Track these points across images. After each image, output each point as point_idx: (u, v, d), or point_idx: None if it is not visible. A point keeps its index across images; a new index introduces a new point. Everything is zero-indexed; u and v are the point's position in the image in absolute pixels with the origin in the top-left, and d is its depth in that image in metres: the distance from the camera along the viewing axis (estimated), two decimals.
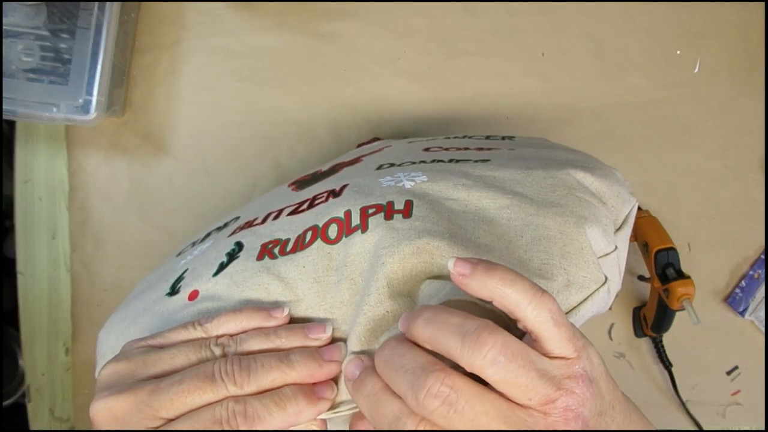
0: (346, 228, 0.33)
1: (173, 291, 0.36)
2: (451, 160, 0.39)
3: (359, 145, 0.57)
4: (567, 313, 0.31)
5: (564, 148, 0.42)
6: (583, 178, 0.36)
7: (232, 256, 0.36)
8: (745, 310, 0.59)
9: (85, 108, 0.50)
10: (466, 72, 0.58)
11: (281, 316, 0.32)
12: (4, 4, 0.49)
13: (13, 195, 0.58)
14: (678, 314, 0.54)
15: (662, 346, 0.58)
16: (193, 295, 0.35)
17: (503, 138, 0.45)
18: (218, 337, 0.31)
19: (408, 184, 0.35)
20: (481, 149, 0.42)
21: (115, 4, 0.51)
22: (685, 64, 0.59)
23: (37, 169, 0.57)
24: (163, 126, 0.58)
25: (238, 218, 0.43)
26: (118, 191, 0.58)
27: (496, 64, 0.58)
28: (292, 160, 0.58)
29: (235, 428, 0.28)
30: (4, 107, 0.49)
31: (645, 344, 0.60)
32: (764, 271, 0.59)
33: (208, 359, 0.30)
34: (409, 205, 0.33)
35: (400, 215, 0.32)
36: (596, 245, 0.33)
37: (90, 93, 0.50)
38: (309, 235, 0.34)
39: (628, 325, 0.60)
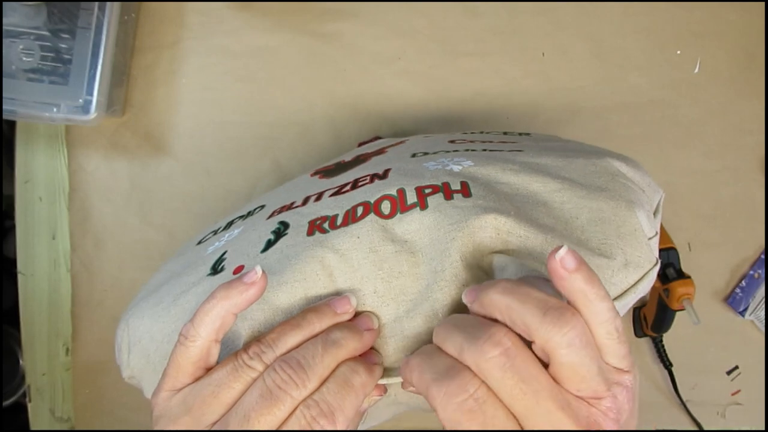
0: (401, 205, 0.33)
1: (215, 271, 0.35)
2: (484, 150, 0.38)
3: (360, 144, 0.57)
4: (626, 291, 0.31)
5: (580, 144, 0.42)
6: (620, 166, 0.36)
7: (279, 233, 0.35)
8: (745, 310, 0.59)
9: (85, 108, 0.50)
10: (466, 72, 0.58)
11: (350, 309, 0.31)
12: (4, 4, 0.49)
13: (13, 195, 0.58)
14: (678, 314, 0.54)
15: (662, 346, 0.58)
16: (238, 270, 0.34)
17: (520, 134, 0.45)
18: (246, 350, 0.29)
19: (456, 168, 0.35)
20: (504, 142, 0.42)
21: (115, 4, 0.51)
22: (685, 64, 0.59)
23: (37, 169, 0.57)
24: (163, 126, 0.58)
25: (263, 206, 0.41)
26: (118, 191, 0.58)
27: (496, 64, 0.58)
28: (292, 160, 0.58)
29: (321, 429, 0.27)
30: (4, 107, 0.49)
31: (645, 344, 0.60)
32: (764, 271, 0.59)
33: (253, 379, 0.28)
34: (465, 186, 0.33)
35: (460, 195, 0.32)
36: (645, 229, 0.34)
37: (90, 93, 0.50)
38: (360, 210, 0.33)
39: (628, 325, 0.60)
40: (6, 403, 0.74)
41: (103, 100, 0.51)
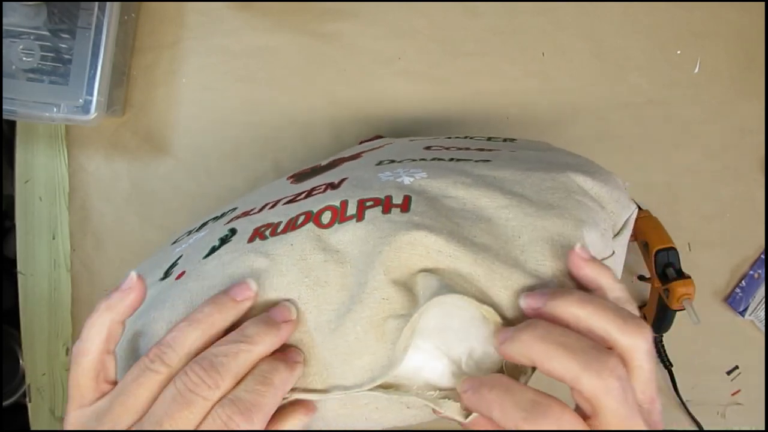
0: (340, 215, 0.33)
1: (165, 276, 0.36)
2: (451, 159, 0.39)
3: (361, 142, 0.57)
4: None
5: (566, 153, 0.42)
6: (583, 181, 0.36)
7: (224, 240, 0.35)
8: (745, 310, 0.59)
9: (85, 108, 0.50)
10: (466, 72, 0.58)
11: (251, 294, 0.30)
12: (4, 4, 0.49)
13: (13, 195, 0.58)
14: (678, 314, 0.54)
15: (662, 346, 0.58)
16: (180, 276, 0.34)
17: (505, 140, 0.45)
18: (147, 354, 0.28)
19: (407, 180, 0.35)
20: (482, 150, 0.42)
21: (115, 4, 0.51)
22: (685, 64, 0.59)
23: (37, 169, 0.57)
24: (163, 126, 0.58)
25: (235, 209, 0.43)
26: (118, 191, 0.58)
27: (496, 64, 0.58)
28: (292, 160, 0.58)
29: (237, 428, 0.26)
30: (4, 107, 0.49)
31: None
32: (764, 271, 0.59)
33: (158, 382, 0.27)
34: (407, 200, 0.33)
35: (398, 209, 0.32)
36: (594, 249, 0.33)
37: (90, 93, 0.50)
38: (302, 218, 0.34)
39: None
40: (6, 403, 0.74)
41: (103, 100, 0.51)
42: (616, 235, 0.37)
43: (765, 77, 0.59)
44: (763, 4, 0.59)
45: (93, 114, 0.50)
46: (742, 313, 0.59)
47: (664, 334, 0.57)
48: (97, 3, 0.50)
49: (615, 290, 0.29)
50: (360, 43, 0.58)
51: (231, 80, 0.58)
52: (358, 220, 0.32)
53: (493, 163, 0.38)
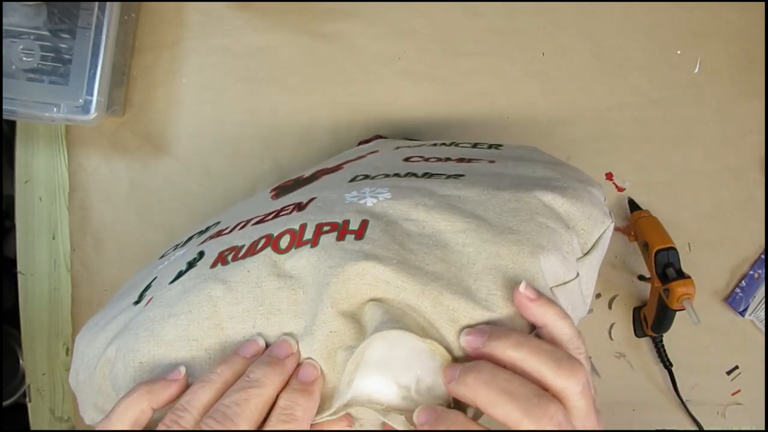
0: (297, 240, 0.33)
1: (139, 299, 0.37)
2: (425, 174, 0.39)
3: (360, 143, 0.57)
4: None
5: (547, 162, 0.41)
6: (551, 200, 0.35)
7: (191, 264, 0.36)
8: (745, 310, 0.59)
9: (85, 108, 0.50)
10: (466, 72, 0.58)
11: (259, 350, 0.31)
12: (4, 4, 0.49)
13: (13, 195, 0.58)
14: (678, 314, 0.54)
15: (662, 346, 0.58)
16: (149, 302, 0.35)
17: (490, 146, 0.45)
18: (163, 421, 0.28)
19: (370, 201, 0.35)
20: (462, 160, 0.41)
21: (115, 4, 0.51)
22: (685, 64, 0.59)
23: (37, 169, 0.57)
24: (163, 126, 0.58)
25: (218, 223, 0.43)
26: (118, 191, 0.58)
27: (496, 64, 0.58)
28: (292, 160, 0.58)
29: None
30: (4, 107, 0.49)
31: (645, 344, 0.60)
32: (764, 271, 0.59)
33: None
34: (364, 225, 0.33)
35: (353, 236, 0.32)
36: (553, 274, 0.33)
37: (90, 93, 0.50)
38: (262, 242, 0.34)
39: (628, 325, 0.60)
40: (6, 403, 0.74)
41: (103, 100, 0.51)
42: (586, 254, 0.36)
43: (765, 77, 0.59)
44: (763, 4, 0.59)
45: (93, 114, 0.50)
46: (742, 313, 0.59)
47: (664, 334, 0.57)
48: (97, 3, 0.50)
49: (559, 327, 0.30)
50: (360, 43, 0.58)
51: (231, 80, 0.58)
52: (312, 246, 0.33)
53: (464, 179, 0.37)
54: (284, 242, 0.34)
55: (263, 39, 0.58)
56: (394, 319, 0.29)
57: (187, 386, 0.30)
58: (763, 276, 0.59)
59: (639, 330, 0.59)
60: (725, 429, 0.60)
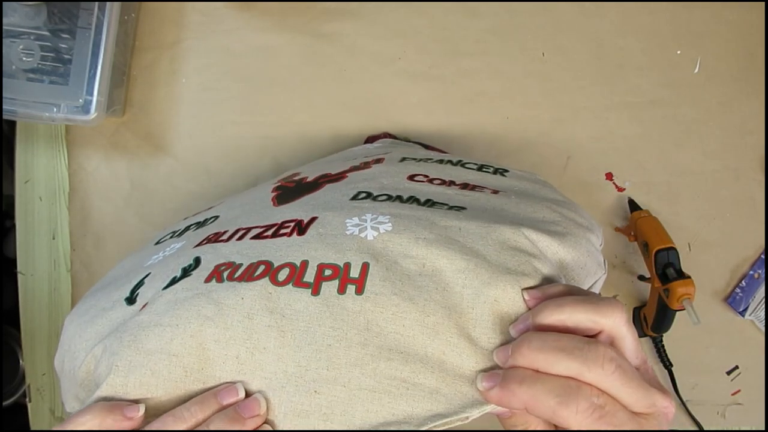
0: (296, 277, 0.33)
1: (131, 298, 0.36)
2: (426, 201, 0.39)
3: (368, 139, 0.57)
4: None
5: (552, 200, 0.41)
6: (547, 245, 0.35)
7: (186, 271, 0.36)
8: (745, 310, 0.59)
9: (85, 108, 0.50)
10: (466, 72, 0.58)
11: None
12: (4, 4, 0.49)
13: (13, 195, 0.58)
14: (678, 314, 0.54)
15: (662, 346, 0.58)
16: (143, 308, 0.35)
17: (495, 171, 0.45)
18: None
19: (371, 235, 0.35)
20: (465, 186, 0.41)
21: (115, 4, 0.51)
22: (685, 64, 0.59)
23: (37, 169, 0.58)
24: (163, 126, 0.58)
25: (217, 218, 0.43)
26: (118, 191, 0.58)
27: (496, 64, 0.58)
28: (292, 160, 0.58)
29: None
30: (4, 107, 0.49)
31: (645, 344, 0.60)
32: (764, 271, 0.59)
33: None
34: (364, 272, 0.33)
35: (354, 288, 0.33)
36: None
37: (90, 93, 0.50)
38: (261, 268, 0.34)
39: None
40: (6, 403, 0.74)
41: (103, 100, 0.51)
42: None
43: (765, 77, 0.59)
44: (763, 4, 0.59)
45: (93, 114, 0.50)
46: (742, 313, 0.59)
47: (664, 334, 0.57)
48: (97, 3, 0.50)
49: (570, 302, 0.31)
50: (360, 43, 0.58)
51: (231, 80, 0.58)
52: (313, 293, 0.33)
53: (466, 211, 0.38)
54: (282, 275, 0.34)
55: (263, 39, 0.58)
56: (387, 422, 0.30)
57: (140, 426, 0.31)
58: (763, 276, 0.59)
59: (639, 330, 0.59)
60: (725, 429, 0.60)
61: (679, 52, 0.59)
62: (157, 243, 0.44)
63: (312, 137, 0.58)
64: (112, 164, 0.58)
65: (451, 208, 0.38)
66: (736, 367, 0.60)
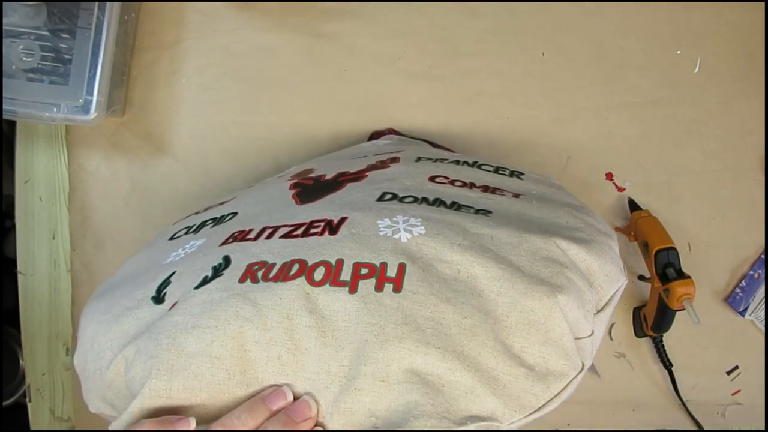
0: (333, 277, 0.33)
1: (159, 297, 0.36)
2: (453, 204, 0.39)
3: (373, 135, 0.57)
4: (548, 402, 0.32)
5: (571, 206, 0.41)
6: (576, 254, 0.36)
7: (217, 270, 0.36)
8: (745, 310, 0.59)
9: (85, 108, 0.50)
10: (466, 72, 0.58)
11: (285, 405, 0.31)
12: (4, 4, 0.49)
13: (13, 195, 0.58)
14: (678, 314, 0.54)
15: (662, 346, 0.58)
16: (173, 307, 0.35)
17: (512, 174, 0.45)
18: None
19: (405, 237, 0.35)
20: (486, 189, 0.41)
21: (115, 4, 0.51)
22: (685, 64, 0.59)
23: (37, 169, 0.57)
24: (163, 126, 0.58)
25: (235, 214, 0.42)
26: (118, 191, 0.58)
27: (496, 64, 0.58)
28: (292, 160, 0.58)
29: None
30: (4, 107, 0.49)
31: (645, 344, 0.60)
32: (764, 271, 0.59)
33: None
34: (401, 272, 0.33)
35: (391, 287, 0.32)
36: (576, 328, 0.34)
37: (90, 93, 0.50)
38: (295, 267, 0.34)
39: (628, 325, 0.60)
40: (6, 403, 0.74)
41: (103, 100, 0.51)
42: (599, 311, 0.37)
43: (765, 77, 0.59)
44: (763, 4, 0.59)
45: (93, 114, 0.50)
46: (742, 313, 0.59)
47: (664, 334, 0.57)
48: (97, 3, 0.50)
49: None
50: (360, 43, 0.58)
51: (231, 80, 0.58)
52: (350, 291, 0.32)
53: (493, 216, 0.38)
54: (319, 274, 0.33)
55: (263, 39, 0.58)
56: (427, 413, 0.30)
57: None
58: (763, 276, 0.59)
59: (639, 330, 0.59)
60: (725, 429, 0.60)
61: (679, 52, 0.59)
62: (172, 239, 0.43)
63: (312, 137, 0.58)
64: (112, 164, 0.58)
65: (477, 211, 0.38)
66: (736, 367, 0.60)
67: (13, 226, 0.58)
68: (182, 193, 0.58)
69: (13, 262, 0.60)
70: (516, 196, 0.41)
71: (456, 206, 0.39)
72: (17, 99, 0.50)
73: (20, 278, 0.58)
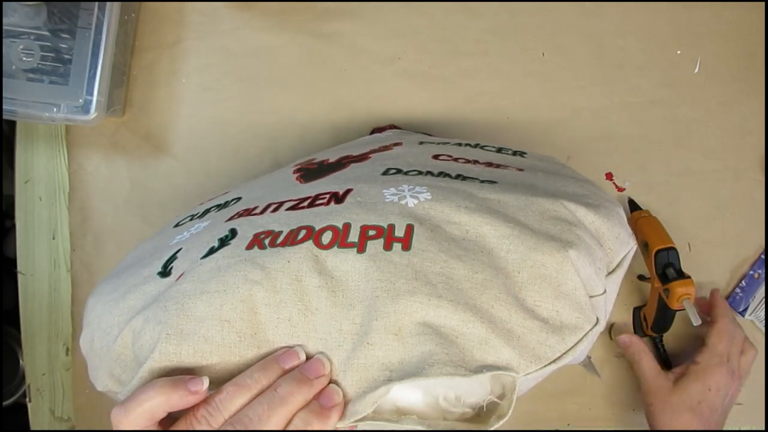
0: (340, 239, 0.33)
1: (165, 271, 0.36)
2: (458, 176, 0.39)
3: (374, 131, 0.57)
4: (564, 354, 0.32)
5: (573, 177, 0.41)
6: (584, 215, 0.36)
7: (223, 241, 0.35)
8: (745, 310, 0.59)
9: (85, 108, 0.50)
10: (466, 72, 0.58)
11: (298, 363, 0.31)
12: (4, 4, 0.49)
13: (13, 195, 0.58)
14: (678, 314, 0.54)
15: (662, 346, 0.58)
16: (179, 278, 0.34)
17: (515, 153, 0.45)
18: (195, 413, 0.29)
19: (411, 202, 0.35)
20: (490, 164, 0.41)
21: (115, 4, 0.51)
22: (685, 64, 0.59)
23: (37, 169, 0.58)
24: (163, 126, 0.58)
25: (239, 199, 0.42)
26: (118, 191, 0.58)
27: (496, 64, 0.58)
28: (292, 160, 0.58)
29: None
30: (4, 107, 0.49)
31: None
32: (764, 271, 0.59)
33: None
34: (409, 232, 0.33)
35: (400, 245, 0.32)
36: (587, 286, 0.34)
37: (90, 93, 0.50)
38: (302, 233, 0.34)
39: (628, 325, 0.60)
40: (6, 403, 0.74)
41: (103, 100, 0.51)
42: (610, 273, 0.37)
43: (765, 77, 0.59)
44: (762, 4, 0.59)
45: (93, 114, 0.50)
46: (742, 313, 0.59)
47: (664, 334, 0.57)
48: (97, 3, 0.50)
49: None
50: (360, 43, 0.58)
51: (231, 80, 0.58)
52: (359, 251, 0.32)
53: (498, 185, 0.37)
54: (326, 238, 0.33)
55: (263, 39, 0.58)
56: (441, 361, 0.29)
57: (205, 395, 0.30)
58: (763, 276, 0.59)
59: (639, 330, 0.59)
60: (725, 429, 0.60)
61: (679, 52, 0.59)
62: (177, 225, 0.43)
63: (312, 137, 0.58)
64: (112, 164, 0.58)
65: (483, 182, 0.38)
66: None
67: (13, 226, 0.58)
68: (182, 192, 0.58)
69: (13, 262, 0.60)
70: (520, 170, 0.41)
71: (461, 177, 0.38)
72: (17, 99, 0.50)
73: (20, 278, 0.58)
